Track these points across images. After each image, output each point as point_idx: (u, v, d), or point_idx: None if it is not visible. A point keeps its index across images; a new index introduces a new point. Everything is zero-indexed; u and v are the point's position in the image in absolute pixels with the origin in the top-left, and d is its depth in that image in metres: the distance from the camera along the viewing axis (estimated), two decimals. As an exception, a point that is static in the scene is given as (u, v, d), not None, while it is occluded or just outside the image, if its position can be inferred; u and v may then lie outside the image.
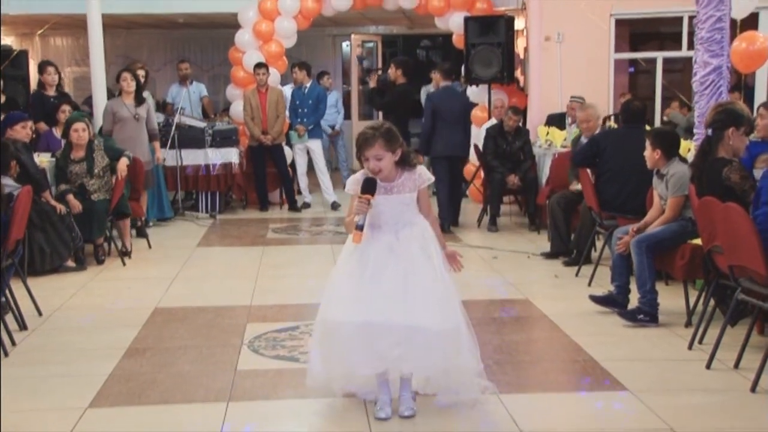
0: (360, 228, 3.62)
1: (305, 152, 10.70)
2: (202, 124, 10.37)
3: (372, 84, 10.06)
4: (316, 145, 10.62)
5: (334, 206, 10.58)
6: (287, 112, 10.68)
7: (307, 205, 10.78)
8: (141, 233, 8.57)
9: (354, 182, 3.77)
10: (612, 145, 6.55)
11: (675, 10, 9.98)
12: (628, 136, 6.48)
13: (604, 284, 6.07)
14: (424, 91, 11.90)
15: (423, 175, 3.84)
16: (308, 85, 10.61)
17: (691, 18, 9.09)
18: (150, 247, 8.24)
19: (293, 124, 10.60)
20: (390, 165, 3.73)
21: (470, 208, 10.46)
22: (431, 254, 3.76)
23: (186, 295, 6.31)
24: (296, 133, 10.51)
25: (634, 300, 5.45)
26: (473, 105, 10.78)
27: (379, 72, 10.93)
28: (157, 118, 9.51)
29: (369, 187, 3.68)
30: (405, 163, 3.80)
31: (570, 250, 7.23)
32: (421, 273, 3.70)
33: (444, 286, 3.74)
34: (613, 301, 5.57)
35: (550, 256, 7.42)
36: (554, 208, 7.43)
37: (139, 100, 8.72)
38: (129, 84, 8.65)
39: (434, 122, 8.84)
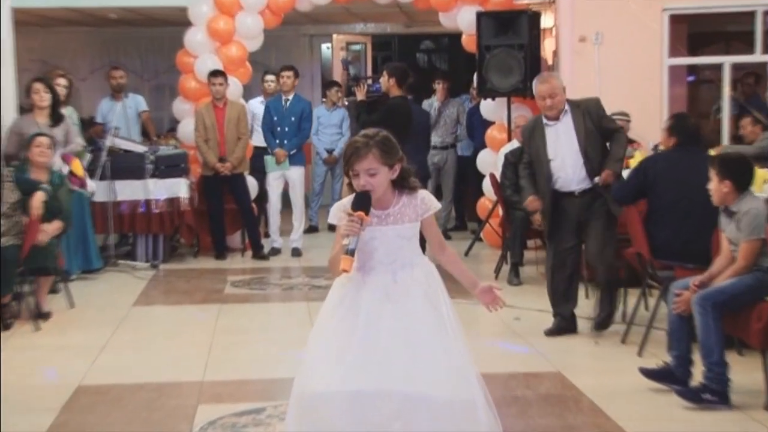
0: (351, 253, 3.61)
1: (282, 183, 10.75)
2: (141, 149, 10.34)
3: (360, 96, 9.94)
4: (297, 174, 10.71)
5: (295, 253, 10.71)
6: (257, 130, 10.65)
7: (276, 252, 10.82)
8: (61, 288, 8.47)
9: (340, 209, 3.79)
10: (664, 173, 6.55)
11: (745, 3, 10.06)
12: (685, 161, 6.49)
13: (659, 353, 6.05)
14: (427, 106, 12.06)
15: (427, 200, 3.86)
16: (290, 97, 10.72)
17: (765, 13, 9.20)
18: (72, 306, 8.19)
19: (271, 146, 10.67)
20: (385, 184, 3.77)
21: (485, 254, 10.44)
22: (438, 304, 3.79)
23: (119, 369, 6.27)
24: (274, 159, 10.55)
25: (697, 374, 5.44)
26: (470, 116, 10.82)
27: (369, 81, 10.93)
28: (75, 145, 9.39)
29: (362, 202, 3.69)
30: (404, 185, 3.83)
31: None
32: (426, 327, 3.71)
33: (456, 346, 3.76)
34: (671, 376, 5.56)
35: (601, 325, 7.13)
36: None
37: (56, 119, 8.75)
38: (42, 97, 8.67)
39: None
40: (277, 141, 10.62)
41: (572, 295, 7.17)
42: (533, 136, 7.10)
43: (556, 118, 6.95)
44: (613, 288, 7.08)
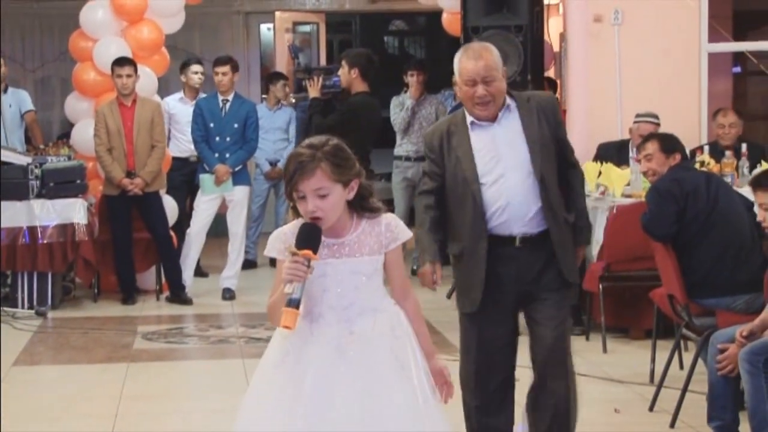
0: (294, 304, 3.61)
1: (216, 206, 10.82)
2: (23, 160, 10.31)
3: (313, 92, 9.94)
4: (241, 195, 10.84)
5: (226, 295, 10.79)
6: (176, 136, 10.77)
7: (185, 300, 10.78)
8: None
9: (280, 239, 3.81)
10: (705, 191, 6.61)
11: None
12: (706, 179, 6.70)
13: (697, 424, 6.11)
14: (396, 104, 12.13)
15: (393, 227, 3.88)
16: (230, 98, 10.86)
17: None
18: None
19: (209, 162, 10.67)
20: (340, 207, 3.78)
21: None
22: (408, 363, 3.80)
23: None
24: (212, 178, 10.56)
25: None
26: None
27: (321, 74, 10.89)
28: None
29: (309, 237, 3.69)
30: (363, 207, 3.86)
31: None
32: (392, 391, 3.73)
33: (430, 420, 3.76)
34: (712, 454, 5.68)
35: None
36: None
37: None
38: None
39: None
40: (217, 155, 10.62)
41: (509, 403, 5.78)
42: (449, 147, 5.54)
43: (493, 118, 5.51)
44: (572, 408, 5.61)
